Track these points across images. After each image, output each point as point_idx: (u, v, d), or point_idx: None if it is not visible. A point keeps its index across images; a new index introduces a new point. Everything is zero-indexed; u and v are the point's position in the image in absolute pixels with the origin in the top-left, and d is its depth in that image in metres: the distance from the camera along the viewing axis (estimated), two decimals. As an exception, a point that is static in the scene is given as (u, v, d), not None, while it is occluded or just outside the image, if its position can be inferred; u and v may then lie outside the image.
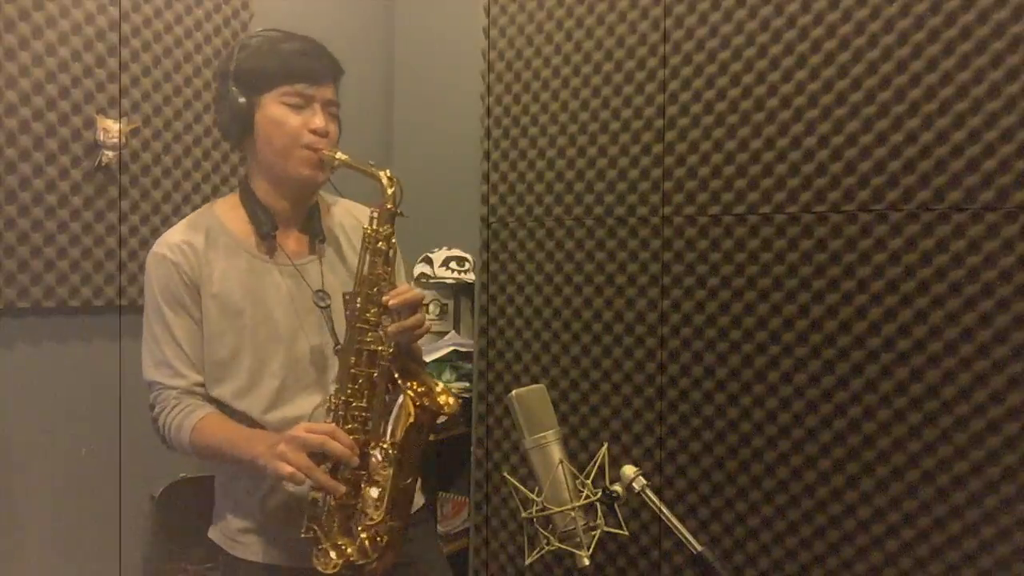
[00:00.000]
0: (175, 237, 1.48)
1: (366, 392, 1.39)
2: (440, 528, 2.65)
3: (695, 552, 1.18)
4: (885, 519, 1.82)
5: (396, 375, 1.38)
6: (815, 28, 1.87)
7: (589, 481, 1.33)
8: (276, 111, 1.44)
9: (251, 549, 1.48)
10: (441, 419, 1.43)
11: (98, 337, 2.15)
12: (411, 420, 1.36)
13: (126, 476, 2.17)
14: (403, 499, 1.38)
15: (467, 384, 2.48)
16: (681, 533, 1.18)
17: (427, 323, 1.45)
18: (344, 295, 1.46)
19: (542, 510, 1.25)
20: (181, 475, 2.28)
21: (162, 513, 2.23)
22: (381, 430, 1.39)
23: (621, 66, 2.12)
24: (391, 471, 1.35)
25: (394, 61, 2.88)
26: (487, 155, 2.33)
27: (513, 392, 1.30)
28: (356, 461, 1.33)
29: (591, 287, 2.17)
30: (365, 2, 2.76)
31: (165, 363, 1.46)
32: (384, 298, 1.39)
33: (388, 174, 1.42)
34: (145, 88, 2.16)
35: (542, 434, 1.29)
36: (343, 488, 1.33)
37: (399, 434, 1.37)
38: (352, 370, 1.39)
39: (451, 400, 1.42)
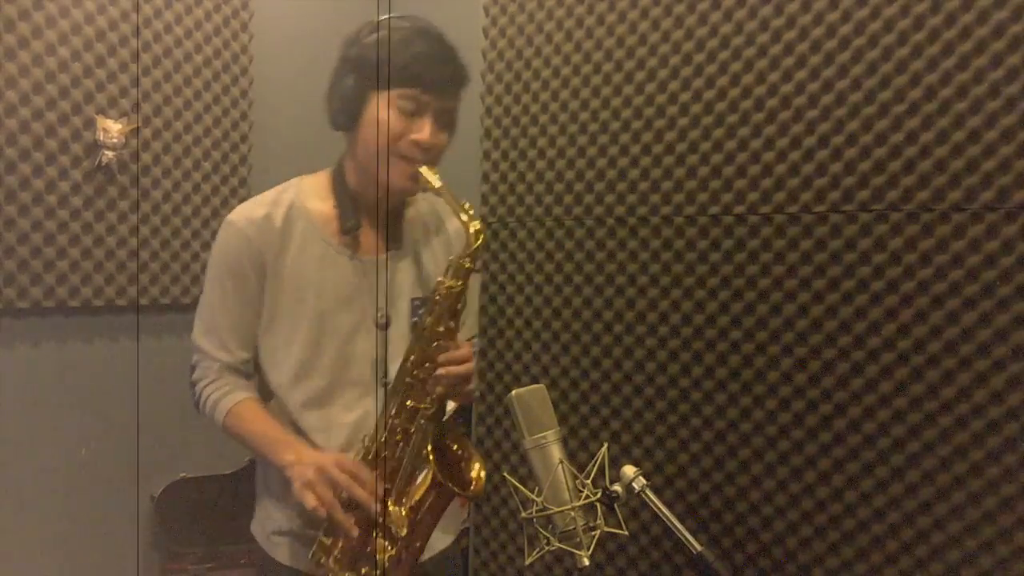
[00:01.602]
0: (256, 211, 1.44)
1: (399, 445, 1.36)
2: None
3: (695, 552, 1.18)
4: (885, 519, 1.82)
5: (430, 443, 1.33)
6: (815, 28, 1.86)
7: (589, 481, 1.33)
8: (384, 112, 1.38)
9: (281, 551, 1.46)
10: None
11: (98, 337, 2.15)
12: (430, 493, 1.34)
13: (126, 476, 2.17)
14: (409, 557, 1.37)
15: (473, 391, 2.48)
16: (681, 533, 1.18)
17: (474, 386, 1.42)
18: (413, 300, 1.44)
19: (542, 510, 1.25)
20: (181, 475, 2.29)
21: (162, 513, 2.23)
22: (406, 486, 1.36)
23: (621, 66, 2.12)
24: (403, 532, 1.34)
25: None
26: (487, 155, 2.33)
27: (513, 392, 1.29)
28: (374, 508, 1.31)
29: (591, 287, 2.17)
30: (365, 2, 2.76)
31: (215, 332, 1.45)
32: (440, 357, 1.34)
33: (478, 227, 1.36)
34: (145, 88, 2.16)
35: (542, 434, 1.29)
36: (357, 531, 1.32)
37: (418, 501, 1.35)
38: (391, 420, 1.36)
39: (481, 477, 1.38)
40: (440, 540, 1.54)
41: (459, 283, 1.36)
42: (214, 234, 2.32)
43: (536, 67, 2.24)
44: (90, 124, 2.05)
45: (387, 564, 1.33)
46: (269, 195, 1.47)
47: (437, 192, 1.37)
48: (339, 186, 1.47)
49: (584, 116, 2.18)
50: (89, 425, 2.12)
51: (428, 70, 1.38)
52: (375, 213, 1.48)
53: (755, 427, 1.96)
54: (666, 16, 2.05)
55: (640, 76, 2.09)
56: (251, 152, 2.38)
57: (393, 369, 1.41)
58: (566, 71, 2.20)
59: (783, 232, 1.92)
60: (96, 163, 2.06)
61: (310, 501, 1.28)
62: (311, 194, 1.47)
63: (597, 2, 2.15)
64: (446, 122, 1.44)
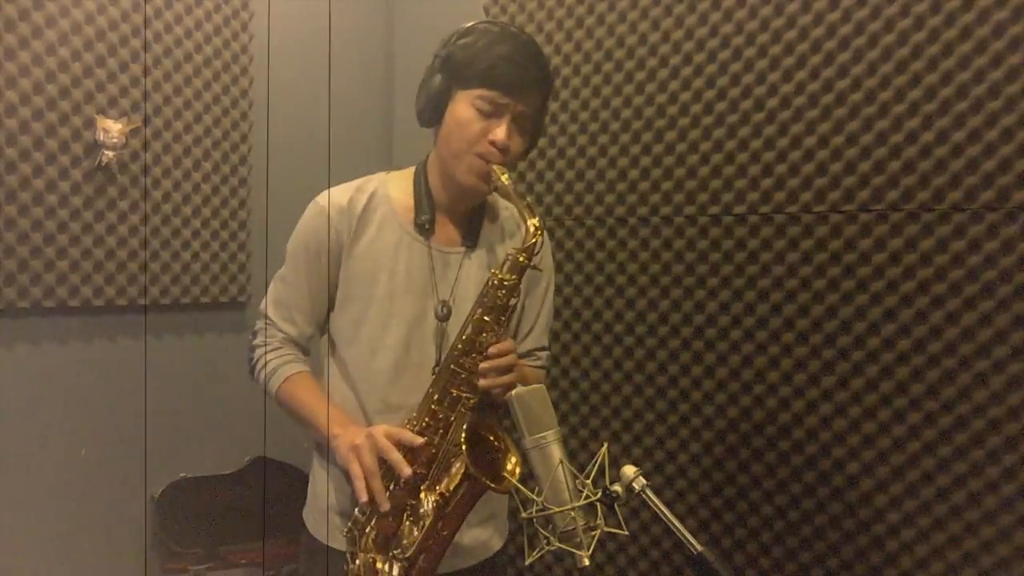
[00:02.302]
0: (340, 194, 1.49)
1: (439, 432, 1.38)
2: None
3: (695, 552, 1.18)
4: (885, 519, 1.82)
5: (464, 434, 1.34)
6: (815, 28, 1.87)
7: (589, 481, 1.33)
8: (464, 111, 1.41)
9: (334, 534, 1.48)
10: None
11: (98, 337, 2.15)
12: (461, 483, 1.34)
13: (126, 476, 2.17)
14: (436, 547, 1.37)
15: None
16: (681, 533, 1.18)
17: (540, 375, 1.44)
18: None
19: (542, 510, 1.24)
20: (181, 475, 2.28)
21: (162, 513, 2.23)
22: (443, 472, 1.37)
23: (621, 66, 2.12)
24: (427, 521, 1.35)
25: (394, 61, 2.88)
26: (487, 155, 2.33)
27: (513, 392, 1.29)
28: (407, 472, 1.33)
29: (591, 287, 2.18)
30: (364, 2, 2.76)
31: (284, 305, 1.51)
32: (490, 350, 1.38)
33: (537, 223, 1.37)
34: (145, 88, 2.16)
35: (542, 434, 1.29)
36: (388, 506, 1.34)
37: (446, 490, 1.36)
38: (433, 406, 1.38)
39: (516, 472, 1.36)
40: (496, 540, 1.60)
41: (512, 277, 1.38)
42: (215, 234, 2.33)
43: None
44: (90, 124, 2.05)
45: (409, 551, 1.34)
46: (356, 182, 1.53)
47: (505, 189, 1.40)
48: (420, 180, 1.51)
49: (584, 116, 2.18)
50: (89, 425, 2.11)
51: (508, 72, 1.40)
52: (450, 209, 1.52)
53: (755, 427, 1.96)
54: (666, 16, 2.05)
55: (640, 76, 2.09)
56: (251, 152, 2.38)
57: None
58: (566, 71, 2.20)
59: (783, 232, 1.92)
60: (96, 163, 2.06)
61: (354, 467, 1.32)
62: (394, 185, 1.52)
63: (597, 2, 2.15)
64: (525, 127, 1.46)
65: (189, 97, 2.26)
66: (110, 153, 2.07)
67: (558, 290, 2.22)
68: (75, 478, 2.10)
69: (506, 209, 1.61)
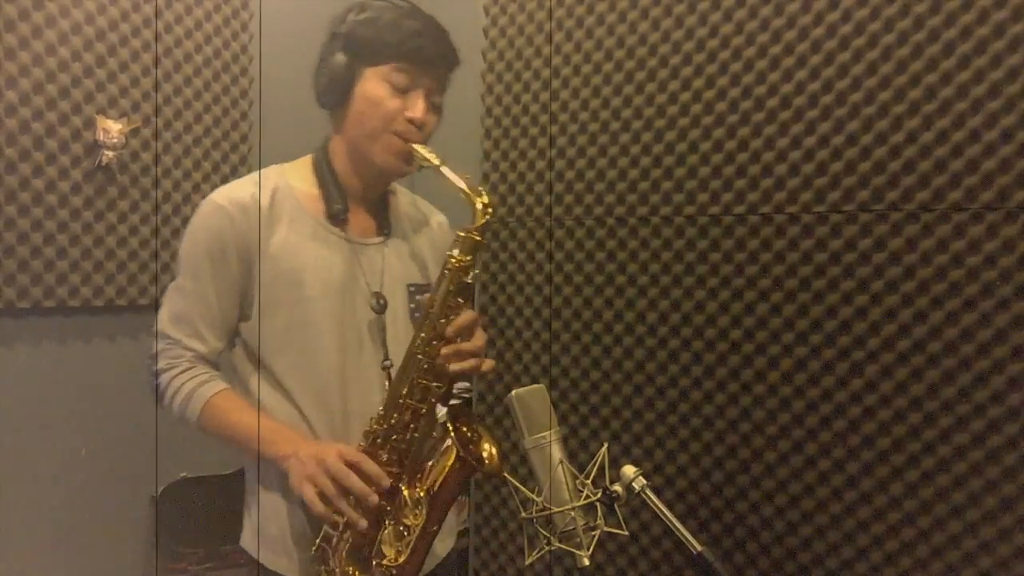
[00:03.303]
0: (239, 191, 1.36)
1: (410, 427, 1.31)
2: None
3: (695, 552, 1.18)
4: (885, 519, 1.82)
5: (448, 421, 1.30)
6: (815, 28, 1.86)
7: (589, 481, 1.33)
8: (377, 89, 1.34)
9: (283, 561, 1.37)
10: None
11: (98, 337, 2.15)
12: (451, 470, 1.30)
13: (126, 476, 2.17)
14: (423, 545, 1.32)
15: (467, 384, 2.48)
16: (681, 533, 1.18)
17: (489, 362, 1.37)
18: (409, 286, 1.41)
19: (542, 510, 1.24)
20: (181, 475, 2.28)
21: (162, 513, 2.23)
22: (417, 470, 1.32)
23: (621, 66, 2.12)
24: (421, 519, 1.30)
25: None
26: (487, 155, 2.33)
27: (513, 392, 1.29)
28: (376, 499, 1.26)
29: (591, 287, 2.17)
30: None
31: (187, 320, 1.35)
32: (448, 330, 1.30)
33: (485, 200, 1.32)
34: (145, 88, 2.16)
35: (542, 434, 1.29)
36: (365, 522, 1.26)
37: (435, 483, 1.30)
38: (400, 400, 1.31)
39: (495, 452, 1.34)
40: (441, 545, 1.49)
41: (467, 257, 1.31)
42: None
43: (536, 67, 2.24)
44: (90, 124, 2.05)
45: (404, 555, 1.30)
46: (249, 179, 1.40)
47: (436, 169, 1.32)
48: (324, 169, 1.41)
49: (584, 116, 2.18)
50: (89, 425, 2.11)
51: (421, 46, 1.34)
52: (362, 196, 1.43)
53: (755, 427, 1.96)
54: (666, 16, 2.05)
55: (640, 76, 2.09)
56: (251, 152, 2.38)
57: (394, 352, 1.38)
58: (566, 71, 2.20)
59: (783, 232, 1.92)
60: (96, 163, 2.06)
61: (309, 494, 1.23)
62: (294, 176, 1.42)
63: (597, 2, 2.15)
64: (437, 104, 1.40)
65: (189, 97, 2.26)
66: (110, 153, 2.07)
67: (558, 290, 2.22)
68: (76, 478, 2.10)
69: (404, 195, 1.53)
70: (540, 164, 2.25)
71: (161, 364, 1.37)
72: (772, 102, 1.92)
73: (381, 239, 1.44)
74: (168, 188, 2.23)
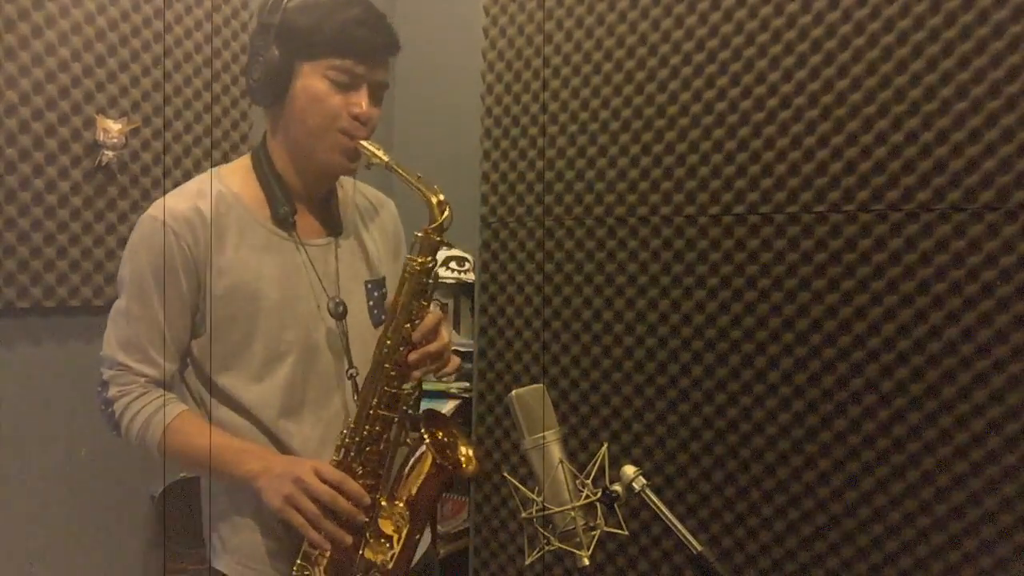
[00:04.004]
0: (180, 203, 1.28)
1: (383, 437, 1.28)
2: (440, 528, 2.65)
3: (695, 552, 1.18)
4: (885, 519, 1.82)
5: (421, 427, 1.28)
6: (815, 28, 1.87)
7: (589, 481, 1.33)
8: (317, 85, 1.26)
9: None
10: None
11: (98, 337, 2.14)
12: (428, 477, 1.28)
13: (126, 476, 2.17)
14: (408, 552, 1.31)
15: (467, 384, 2.48)
16: (681, 533, 1.18)
17: (455, 360, 1.33)
18: (367, 283, 1.37)
19: (542, 510, 1.24)
20: (181, 475, 2.28)
21: (162, 513, 2.23)
22: (393, 479, 1.30)
23: (621, 66, 2.12)
24: (404, 530, 1.28)
25: (394, 60, 2.88)
26: (487, 155, 2.33)
27: (513, 392, 1.29)
28: (365, 519, 1.25)
29: (591, 287, 2.17)
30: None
31: (136, 345, 1.28)
32: (414, 335, 1.27)
33: (441, 197, 1.27)
34: (145, 88, 2.16)
35: (542, 434, 1.29)
36: (350, 539, 1.24)
37: (413, 490, 1.28)
38: (371, 411, 1.28)
39: (473, 456, 1.32)
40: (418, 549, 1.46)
41: (428, 259, 1.27)
42: (214, 234, 2.33)
43: (536, 67, 2.24)
44: (90, 124, 2.05)
45: (389, 565, 1.28)
46: (190, 186, 1.34)
47: (387, 166, 1.26)
48: (264, 170, 1.33)
49: (584, 116, 2.18)
50: (89, 425, 2.11)
51: (361, 38, 1.27)
52: (308, 196, 1.37)
53: (755, 427, 1.96)
54: (666, 16, 2.05)
55: (640, 76, 2.09)
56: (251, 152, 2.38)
57: (357, 357, 1.34)
58: (566, 71, 2.20)
59: (783, 232, 1.92)
60: (96, 163, 2.06)
61: (297, 519, 1.20)
62: (234, 181, 1.34)
63: (597, 2, 2.15)
64: (380, 96, 1.33)
65: (189, 97, 2.26)
66: (110, 153, 2.07)
67: (558, 290, 2.22)
68: (75, 478, 2.10)
69: (348, 185, 1.47)
70: (540, 164, 2.25)
71: (112, 392, 1.30)
72: (772, 102, 1.92)
73: (331, 238, 1.38)
74: (168, 188, 2.23)
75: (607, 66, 2.14)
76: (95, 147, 2.06)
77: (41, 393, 2.04)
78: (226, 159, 2.34)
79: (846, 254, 1.85)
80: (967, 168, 1.72)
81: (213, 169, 1.37)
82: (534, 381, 2.27)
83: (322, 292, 1.34)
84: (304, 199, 1.37)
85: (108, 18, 2.08)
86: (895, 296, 1.80)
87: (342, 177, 1.44)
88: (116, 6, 2.09)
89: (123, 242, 2.13)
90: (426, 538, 1.48)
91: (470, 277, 2.60)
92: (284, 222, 1.33)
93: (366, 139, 1.29)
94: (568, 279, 2.21)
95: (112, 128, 2.06)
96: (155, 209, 1.29)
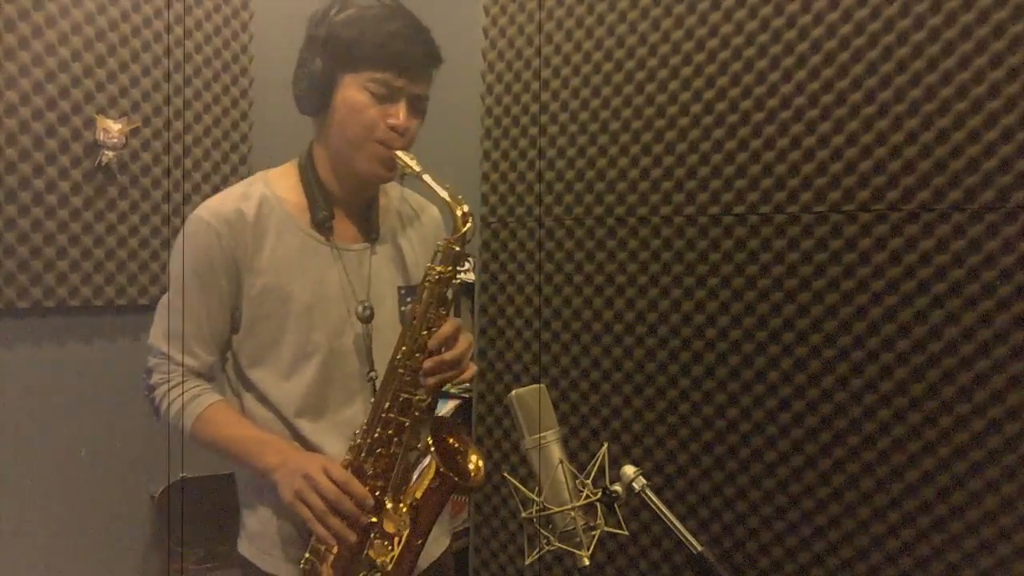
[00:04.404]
0: (225, 205, 1.34)
1: (394, 441, 1.31)
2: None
3: (695, 552, 1.18)
4: (885, 519, 1.82)
5: (429, 435, 1.30)
6: (815, 28, 1.87)
7: (589, 481, 1.33)
8: (357, 96, 1.31)
9: (284, 567, 1.37)
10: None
11: (98, 337, 2.15)
12: (432, 485, 1.29)
13: (126, 476, 2.17)
14: (410, 556, 1.33)
15: (467, 384, 2.48)
16: (681, 533, 1.18)
17: (472, 368, 1.36)
18: (399, 289, 1.40)
19: (542, 510, 1.24)
20: (181, 475, 2.28)
21: (162, 513, 2.23)
22: (403, 482, 1.32)
23: (621, 66, 2.12)
24: (404, 533, 1.30)
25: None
26: (487, 155, 2.33)
27: (513, 392, 1.29)
28: (367, 519, 1.28)
29: (591, 287, 2.17)
30: (364, 2, 2.76)
31: (177, 336, 1.35)
32: (430, 342, 1.30)
33: (465, 209, 1.30)
34: (145, 88, 2.16)
35: (542, 434, 1.29)
36: (354, 537, 1.26)
37: (418, 495, 1.30)
38: (384, 414, 1.31)
39: (481, 465, 1.34)
40: (437, 544, 1.49)
41: (449, 269, 1.30)
42: (214, 234, 2.33)
43: (536, 67, 2.24)
44: (90, 124, 2.05)
45: (389, 567, 1.30)
46: (236, 189, 1.39)
47: (418, 176, 1.30)
48: (308, 174, 1.39)
49: (584, 116, 2.18)
50: (89, 425, 2.11)
51: (400, 51, 1.31)
52: (348, 202, 1.41)
53: (755, 427, 1.96)
54: (666, 16, 2.05)
55: (640, 76, 2.09)
56: (251, 152, 2.38)
57: (381, 362, 1.37)
58: (566, 71, 2.20)
59: (783, 232, 1.92)
60: (96, 163, 2.06)
61: (305, 513, 1.24)
62: (279, 185, 1.40)
63: (597, 2, 2.15)
64: (419, 108, 1.38)
65: (189, 97, 2.26)
66: (110, 153, 2.07)
67: (558, 290, 2.22)
68: (75, 478, 2.10)
69: (395, 190, 1.51)
70: (540, 164, 2.25)
71: (154, 379, 1.38)
72: (772, 102, 1.92)
73: (368, 244, 1.42)
74: (168, 188, 2.23)
75: (607, 66, 2.14)
76: (95, 147, 2.06)
77: (41, 393, 2.04)
78: (226, 159, 2.34)
79: (846, 254, 1.85)
80: (967, 168, 1.72)
81: (262, 172, 1.43)
82: (534, 381, 2.27)
83: (352, 296, 1.38)
84: (344, 205, 1.41)
85: (108, 18, 2.08)
86: (895, 296, 1.80)
87: (387, 185, 1.48)
88: (116, 6, 2.09)
89: (123, 242, 2.14)
90: (442, 542, 1.51)
91: (470, 277, 2.61)
92: (322, 226, 1.37)
93: (403, 149, 1.33)
94: (568, 279, 2.21)
95: (112, 128, 2.06)
96: (202, 209, 1.35)
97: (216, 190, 2.30)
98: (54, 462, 2.06)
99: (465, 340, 1.35)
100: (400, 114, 1.32)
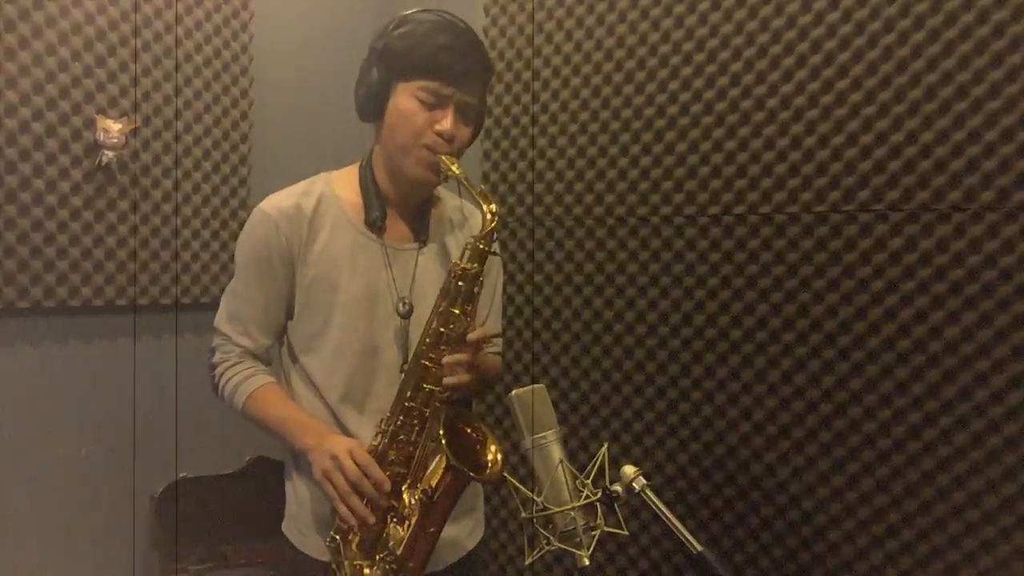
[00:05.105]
0: (286, 200, 1.46)
1: (415, 429, 1.38)
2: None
3: (695, 552, 1.18)
4: (885, 519, 1.82)
5: (442, 429, 1.34)
6: (815, 28, 1.87)
7: (589, 481, 1.33)
8: (407, 103, 1.40)
9: (317, 545, 1.46)
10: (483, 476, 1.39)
11: (98, 337, 2.15)
12: (443, 477, 1.34)
13: (126, 476, 2.17)
14: (424, 544, 1.37)
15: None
16: (681, 533, 1.18)
17: (497, 361, 1.43)
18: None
19: (542, 510, 1.24)
20: (181, 475, 2.28)
21: (162, 513, 2.23)
22: (422, 469, 1.37)
23: (621, 66, 2.12)
24: (412, 519, 1.34)
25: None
26: (487, 155, 2.33)
27: (513, 392, 1.29)
28: (384, 503, 1.34)
29: (591, 287, 2.17)
30: (365, 2, 2.76)
31: (239, 319, 1.48)
32: (445, 359, 1.36)
33: (494, 209, 1.37)
34: (145, 88, 2.16)
35: (542, 434, 1.29)
36: (373, 518, 1.34)
37: (433, 483, 1.35)
38: (407, 403, 1.38)
39: (499, 459, 1.37)
40: (471, 537, 1.59)
41: (474, 265, 1.36)
42: (215, 234, 2.33)
43: (536, 67, 2.24)
44: (90, 124, 2.05)
45: (398, 551, 1.34)
46: (300, 186, 1.50)
47: (457, 178, 1.38)
48: (365, 176, 1.50)
49: (584, 116, 2.18)
50: (89, 425, 2.11)
51: (449, 62, 1.39)
52: (400, 204, 1.51)
53: (755, 427, 1.96)
54: (666, 16, 2.05)
55: (640, 76, 2.09)
56: (251, 152, 2.38)
57: None
58: (566, 71, 2.20)
59: (783, 232, 1.92)
60: (96, 163, 2.06)
61: (330, 492, 1.33)
62: (340, 184, 1.50)
63: (597, 2, 2.15)
64: (469, 116, 1.45)
65: (189, 97, 2.26)
66: (110, 153, 2.07)
67: (559, 290, 2.22)
68: (75, 478, 2.10)
69: (451, 200, 1.60)
70: (540, 164, 2.26)
71: (216, 357, 1.51)
72: (772, 102, 1.92)
73: (417, 245, 1.51)
74: (168, 188, 2.23)
75: (607, 66, 2.14)
76: (95, 147, 2.06)
77: (41, 393, 2.04)
78: (226, 159, 2.34)
79: (846, 254, 1.85)
80: (967, 168, 1.72)
81: (326, 172, 1.54)
82: (534, 381, 2.27)
83: (395, 292, 1.47)
84: (397, 206, 1.51)
85: (108, 18, 2.08)
86: (895, 296, 1.80)
87: (443, 192, 1.59)
88: (116, 6, 2.09)
89: (123, 242, 2.14)
90: (476, 534, 1.61)
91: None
92: (374, 225, 1.47)
93: (451, 155, 1.41)
94: (568, 279, 2.21)
95: (112, 128, 2.06)
96: (265, 203, 1.47)
97: (216, 190, 2.30)
98: (54, 462, 2.06)
99: (493, 359, 1.43)
100: (447, 121, 1.40)
